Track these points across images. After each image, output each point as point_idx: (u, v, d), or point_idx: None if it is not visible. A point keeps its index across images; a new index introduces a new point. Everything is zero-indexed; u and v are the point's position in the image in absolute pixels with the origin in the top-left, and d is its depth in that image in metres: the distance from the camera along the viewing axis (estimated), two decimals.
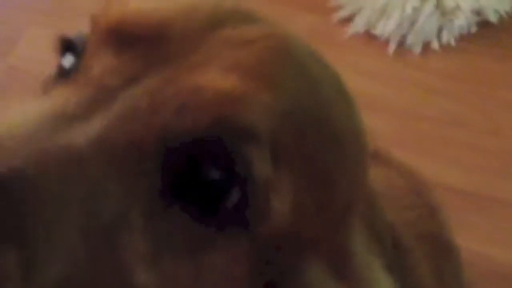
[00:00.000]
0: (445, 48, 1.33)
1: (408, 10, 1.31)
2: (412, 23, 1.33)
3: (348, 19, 1.36)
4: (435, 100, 1.26)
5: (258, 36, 0.36)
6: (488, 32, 1.35)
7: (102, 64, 0.35)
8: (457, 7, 1.32)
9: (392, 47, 1.33)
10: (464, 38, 1.34)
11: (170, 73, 0.34)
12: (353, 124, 0.39)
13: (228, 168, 0.33)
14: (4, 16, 1.47)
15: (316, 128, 0.36)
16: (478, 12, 1.35)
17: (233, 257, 0.34)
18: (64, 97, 0.34)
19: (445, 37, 1.34)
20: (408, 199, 0.68)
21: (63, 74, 0.39)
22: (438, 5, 1.33)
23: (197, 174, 0.33)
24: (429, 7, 1.32)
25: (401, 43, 1.33)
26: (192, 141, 0.33)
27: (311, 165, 0.36)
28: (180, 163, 0.33)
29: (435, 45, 1.33)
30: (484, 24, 1.35)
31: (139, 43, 0.36)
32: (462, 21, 1.32)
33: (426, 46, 1.33)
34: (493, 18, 1.34)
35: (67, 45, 0.40)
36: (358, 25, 1.35)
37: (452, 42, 1.33)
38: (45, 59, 1.62)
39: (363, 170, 0.40)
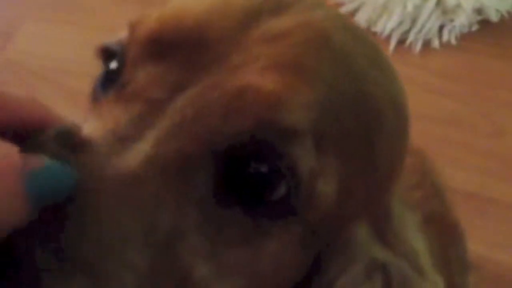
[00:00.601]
0: (446, 46, 1.32)
1: (409, 7, 1.30)
2: (413, 21, 1.32)
3: (349, 16, 1.35)
4: (435, 99, 1.25)
5: (293, 27, 0.37)
6: (489, 31, 1.34)
7: (145, 75, 0.36)
8: (458, 6, 1.31)
9: (392, 45, 1.32)
10: (465, 37, 1.33)
11: (211, 78, 0.35)
12: (392, 97, 0.40)
13: (274, 165, 0.35)
14: (0, 10, 1.46)
15: (355, 108, 0.37)
16: (479, 11, 1.34)
17: (286, 241, 0.37)
18: (115, 117, 0.35)
19: (445, 35, 1.33)
20: (414, 178, 0.69)
21: (107, 83, 0.40)
22: (439, 4, 1.32)
23: (245, 171, 0.35)
24: (430, 5, 1.31)
25: (402, 41, 1.33)
26: (238, 144, 0.35)
27: (354, 145, 0.37)
28: (228, 164, 0.35)
29: (435, 43, 1.32)
30: (485, 23, 1.35)
31: (179, 49, 0.36)
32: (463, 20, 1.32)
33: (426, 45, 1.32)
34: (494, 17, 1.34)
35: (107, 54, 0.41)
36: (359, 22, 1.34)
37: (453, 41, 1.33)
38: (42, 52, 1.62)
39: (405, 140, 0.41)
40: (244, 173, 0.35)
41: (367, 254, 0.40)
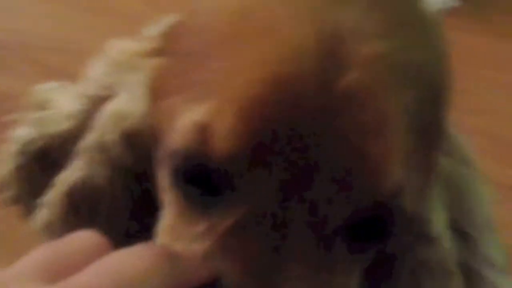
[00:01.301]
0: None
1: None
2: None
3: None
4: None
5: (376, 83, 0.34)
6: (473, 7, 1.33)
7: (267, 193, 0.34)
8: None
9: None
10: (447, 13, 1.32)
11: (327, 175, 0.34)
12: (443, 68, 0.40)
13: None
14: None
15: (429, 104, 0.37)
16: None
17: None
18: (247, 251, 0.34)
19: None
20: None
21: (208, 198, 0.36)
22: None
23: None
24: None
25: None
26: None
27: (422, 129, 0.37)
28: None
29: None
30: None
31: (282, 144, 0.33)
32: None
33: None
34: None
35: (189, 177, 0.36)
36: None
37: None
38: (21, 28, 1.56)
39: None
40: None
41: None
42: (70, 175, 0.43)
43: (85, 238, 0.34)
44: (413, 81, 0.35)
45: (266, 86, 0.32)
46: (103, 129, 0.42)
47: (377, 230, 0.36)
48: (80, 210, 0.43)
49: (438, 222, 0.43)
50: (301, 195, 0.33)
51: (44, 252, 0.33)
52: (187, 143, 0.34)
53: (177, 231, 0.37)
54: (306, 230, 0.34)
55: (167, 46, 0.41)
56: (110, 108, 0.43)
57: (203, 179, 0.35)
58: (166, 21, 0.44)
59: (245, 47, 0.34)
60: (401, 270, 0.43)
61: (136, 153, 0.42)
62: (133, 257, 0.32)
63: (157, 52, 0.42)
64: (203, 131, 0.33)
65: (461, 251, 0.45)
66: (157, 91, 0.40)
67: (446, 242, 0.44)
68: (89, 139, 0.43)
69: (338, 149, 0.33)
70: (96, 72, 0.45)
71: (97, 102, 0.44)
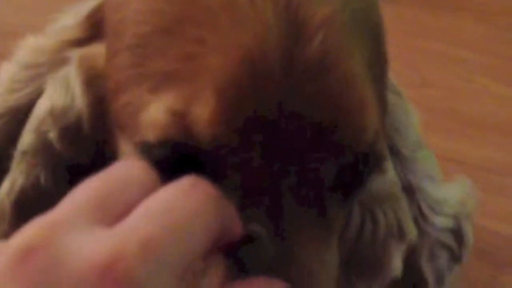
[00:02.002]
0: None
1: None
2: None
3: None
4: None
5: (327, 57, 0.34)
6: None
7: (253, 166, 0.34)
8: None
9: None
10: None
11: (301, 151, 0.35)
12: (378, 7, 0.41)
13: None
14: None
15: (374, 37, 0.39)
16: None
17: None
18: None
19: None
20: None
21: None
22: None
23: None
24: None
25: None
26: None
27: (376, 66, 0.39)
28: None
29: None
30: None
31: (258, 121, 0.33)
32: None
33: None
34: None
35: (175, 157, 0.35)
36: None
37: None
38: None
39: None
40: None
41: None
42: (13, 183, 0.42)
43: (135, 168, 0.32)
44: (364, 28, 0.37)
45: (239, 66, 0.32)
46: (39, 129, 0.42)
47: (355, 176, 0.38)
48: (30, 215, 0.43)
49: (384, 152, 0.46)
50: (291, 164, 0.34)
51: (96, 186, 0.31)
52: (167, 134, 0.34)
53: None
54: (302, 199, 0.35)
55: (98, 33, 0.41)
56: (42, 107, 0.42)
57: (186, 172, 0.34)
58: (80, 8, 0.43)
59: (204, 30, 0.33)
60: (354, 205, 0.46)
61: (77, 147, 0.41)
62: (182, 196, 0.31)
63: (84, 41, 0.42)
64: (181, 119, 0.33)
65: (402, 171, 0.50)
66: (109, 84, 0.39)
67: (390, 170, 0.47)
68: (25, 142, 0.42)
69: (317, 112, 0.34)
70: (7, 77, 0.44)
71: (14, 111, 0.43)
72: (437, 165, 0.53)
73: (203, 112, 0.33)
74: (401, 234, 0.48)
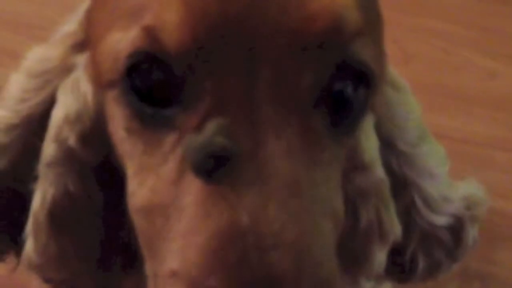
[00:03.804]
0: None
1: None
2: None
3: None
4: None
5: None
6: None
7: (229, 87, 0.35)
8: None
9: None
10: None
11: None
12: None
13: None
14: None
15: None
16: None
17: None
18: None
19: None
20: None
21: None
22: None
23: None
24: None
25: None
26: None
27: (374, 16, 0.40)
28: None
29: None
30: None
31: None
32: None
33: None
34: None
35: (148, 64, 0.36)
36: None
37: None
38: None
39: None
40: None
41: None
42: (44, 195, 0.43)
43: None
44: None
45: None
46: (59, 137, 0.42)
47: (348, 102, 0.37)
48: (65, 224, 0.43)
49: (371, 150, 0.45)
50: (263, 68, 0.34)
51: None
52: (138, 46, 0.35)
53: (144, 167, 0.37)
54: (278, 104, 0.35)
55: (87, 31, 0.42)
56: (58, 115, 0.42)
57: (155, 91, 0.35)
58: (78, 13, 0.44)
59: None
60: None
61: (96, 148, 0.42)
62: None
63: (83, 44, 0.43)
64: (150, 32, 0.34)
65: (397, 165, 0.49)
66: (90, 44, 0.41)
67: (379, 169, 0.46)
68: (48, 153, 0.43)
69: (285, 12, 0.34)
70: (16, 87, 0.45)
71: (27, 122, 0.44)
72: (444, 161, 0.52)
73: (170, 17, 0.34)
74: (381, 234, 0.47)
